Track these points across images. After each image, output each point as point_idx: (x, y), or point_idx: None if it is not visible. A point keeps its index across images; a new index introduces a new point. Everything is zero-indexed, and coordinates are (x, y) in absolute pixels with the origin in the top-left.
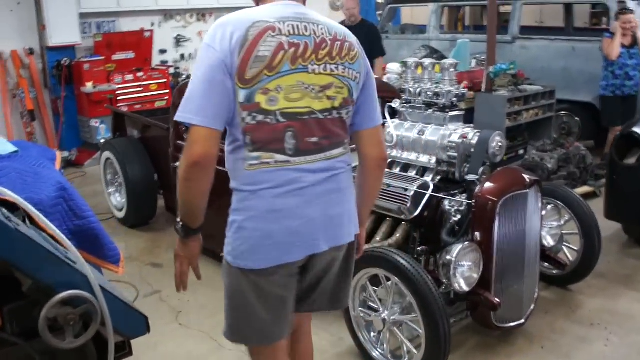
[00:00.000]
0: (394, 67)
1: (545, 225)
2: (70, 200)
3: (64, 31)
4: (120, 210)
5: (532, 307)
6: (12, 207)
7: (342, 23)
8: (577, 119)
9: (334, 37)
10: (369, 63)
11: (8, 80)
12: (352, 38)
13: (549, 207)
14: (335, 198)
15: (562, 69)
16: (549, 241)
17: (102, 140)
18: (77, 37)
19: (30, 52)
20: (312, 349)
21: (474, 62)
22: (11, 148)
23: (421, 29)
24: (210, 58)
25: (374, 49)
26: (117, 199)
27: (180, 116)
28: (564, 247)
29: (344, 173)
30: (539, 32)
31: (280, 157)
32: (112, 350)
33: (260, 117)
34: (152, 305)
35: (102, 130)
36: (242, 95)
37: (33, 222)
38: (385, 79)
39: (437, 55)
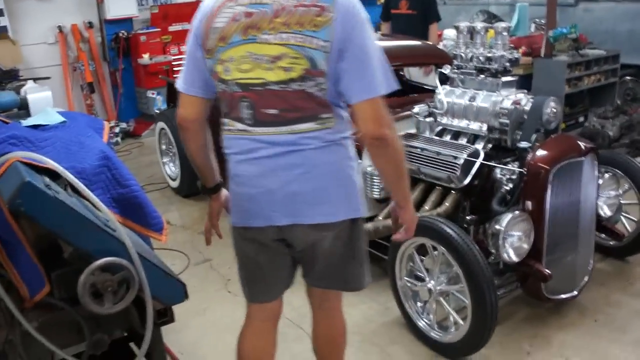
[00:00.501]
0: (450, 34)
1: (602, 195)
2: (114, 169)
3: (121, 4)
4: (174, 179)
5: (587, 279)
6: (55, 176)
7: None
8: None
9: (300, 3)
10: (356, 27)
11: (69, 54)
12: (327, 2)
13: (607, 175)
14: (300, 174)
15: (628, 31)
16: (606, 211)
17: (157, 111)
18: (134, 9)
19: (90, 25)
20: (343, 328)
21: (533, 26)
22: (59, 118)
23: None
24: (191, 29)
25: (429, 14)
26: (172, 169)
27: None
28: (622, 218)
29: (314, 149)
30: None
31: (240, 125)
32: (150, 316)
33: (222, 86)
34: (203, 273)
35: (159, 101)
36: (208, 64)
37: (75, 190)
38: (441, 45)
39: (496, 19)
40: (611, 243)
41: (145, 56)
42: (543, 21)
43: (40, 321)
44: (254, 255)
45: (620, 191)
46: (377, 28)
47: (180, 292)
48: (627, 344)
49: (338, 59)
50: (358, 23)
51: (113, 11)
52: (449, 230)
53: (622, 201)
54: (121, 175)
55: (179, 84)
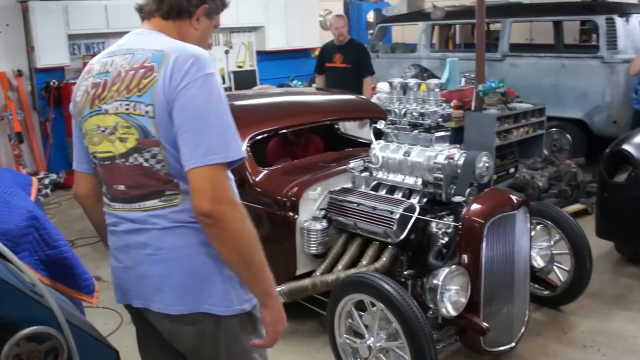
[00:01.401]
0: (384, 87)
1: (535, 246)
2: (42, 229)
3: (53, 52)
4: None
5: (523, 329)
6: None
7: (331, 43)
8: (568, 136)
9: (131, 67)
10: (186, 84)
11: None
12: (156, 61)
13: (539, 227)
14: (148, 255)
15: (552, 85)
16: (539, 262)
17: None
18: (66, 58)
19: (19, 73)
20: None
21: (463, 80)
22: None
23: (412, 48)
24: None
25: (363, 69)
26: None
27: None
28: (555, 268)
29: (160, 230)
30: (528, 49)
31: (105, 199)
32: None
33: (91, 157)
34: None
35: None
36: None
37: None
38: (375, 98)
39: (427, 73)
40: (545, 293)
41: None
42: (472, 75)
43: None
44: (137, 331)
45: (552, 242)
46: (311, 81)
47: None
48: None
49: (169, 123)
50: (188, 80)
51: (44, 60)
52: (386, 286)
53: (553, 251)
54: (49, 235)
55: (75, 164)
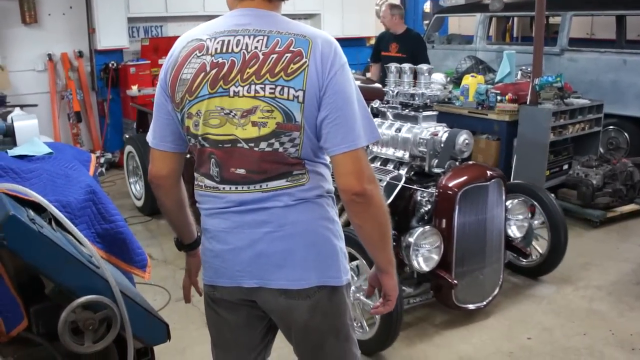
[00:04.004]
0: (438, 78)
1: (512, 217)
2: (99, 203)
3: (113, 35)
4: (139, 199)
5: (496, 291)
6: (40, 209)
7: (388, 32)
8: (625, 134)
9: (271, 50)
10: (334, 72)
11: (57, 82)
12: (303, 46)
13: (515, 201)
14: (267, 233)
15: (612, 82)
16: (515, 232)
17: (127, 136)
18: (125, 40)
19: (80, 54)
20: None
21: (519, 73)
22: (46, 149)
23: (468, 40)
24: (158, 80)
25: (418, 59)
26: (137, 189)
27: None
28: (536, 240)
29: (283, 207)
30: (589, 44)
31: (209, 182)
32: (131, 356)
33: (192, 140)
34: (183, 310)
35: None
36: (178, 117)
37: (60, 224)
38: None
39: (483, 66)
40: (523, 262)
41: (134, 87)
42: (529, 69)
43: (16, 356)
44: (224, 314)
45: (529, 215)
46: (366, 69)
47: (162, 333)
48: None
49: (315, 108)
50: (336, 68)
51: (104, 42)
52: None
53: (534, 224)
54: (106, 210)
55: (149, 138)
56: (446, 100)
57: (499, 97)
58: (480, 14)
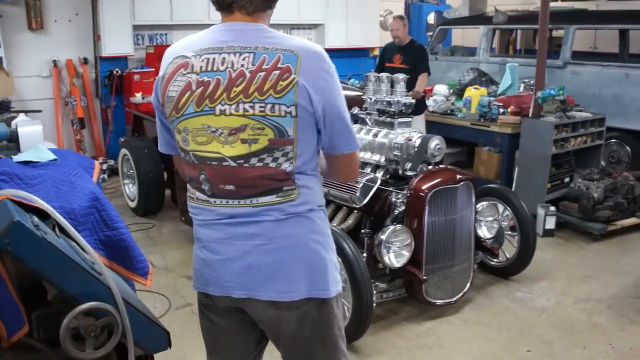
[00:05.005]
0: (441, 89)
1: (482, 219)
2: (103, 210)
3: (118, 42)
4: (133, 200)
5: (466, 288)
6: (44, 215)
7: (392, 43)
8: (627, 147)
9: (258, 68)
10: (325, 84)
11: (62, 88)
12: (291, 62)
13: (485, 203)
14: (258, 245)
15: (614, 95)
16: (485, 233)
17: (122, 139)
18: (130, 48)
19: (85, 61)
20: None
21: (522, 86)
22: (50, 156)
23: (471, 52)
24: (153, 89)
25: (419, 66)
26: (131, 190)
27: None
28: (505, 241)
29: (273, 221)
30: (591, 57)
31: (200, 195)
32: None
33: (183, 154)
34: (183, 318)
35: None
36: (171, 128)
37: (63, 231)
38: (431, 100)
39: (485, 78)
40: (493, 262)
41: (138, 95)
42: (532, 81)
43: None
44: (218, 320)
45: (499, 217)
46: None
47: (163, 340)
48: None
49: (310, 120)
50: (328, 78)
51: (109, 49)
52: (343, 243)
53: (504, 225)
54: (110, 217)
55: (160, 147)
56: (449, 112)
57: (501, 110)
58: (483, 26)
